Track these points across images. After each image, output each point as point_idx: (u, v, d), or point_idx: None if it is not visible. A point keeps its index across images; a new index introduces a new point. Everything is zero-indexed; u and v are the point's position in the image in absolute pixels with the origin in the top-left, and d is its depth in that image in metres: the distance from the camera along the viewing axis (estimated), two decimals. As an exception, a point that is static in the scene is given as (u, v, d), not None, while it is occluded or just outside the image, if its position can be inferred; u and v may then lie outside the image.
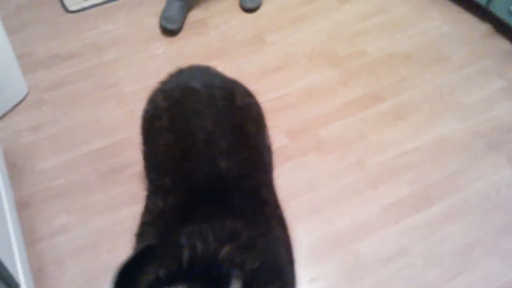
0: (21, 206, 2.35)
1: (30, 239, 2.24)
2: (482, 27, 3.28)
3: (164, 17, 3.17)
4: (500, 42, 3.18)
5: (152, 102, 1.75)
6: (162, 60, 3.05)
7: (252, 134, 1.63)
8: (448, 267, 2.13)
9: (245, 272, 1.02)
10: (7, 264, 1.73)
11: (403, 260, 2.15)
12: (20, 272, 1.91)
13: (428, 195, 2.37)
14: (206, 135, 1.50)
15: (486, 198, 2.37)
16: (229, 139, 1.50)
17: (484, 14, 3.29)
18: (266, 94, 2.82)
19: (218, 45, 3.17)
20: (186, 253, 1.04)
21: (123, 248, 2.20)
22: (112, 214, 2.32)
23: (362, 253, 2.17)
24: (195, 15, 3.35)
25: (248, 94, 1.79)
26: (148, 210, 1.51)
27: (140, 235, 1.49)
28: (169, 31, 3.17)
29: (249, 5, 3.35)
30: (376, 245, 2.20)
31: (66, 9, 3.37)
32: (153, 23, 3.28)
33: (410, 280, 2.09)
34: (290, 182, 2.41)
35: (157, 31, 3.24)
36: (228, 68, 2.99)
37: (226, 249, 1.05)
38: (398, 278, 2.10)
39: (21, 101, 2.78)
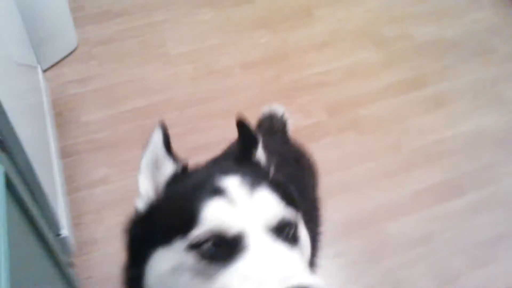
0: (64, 155, 2.44)
1: (71, 187, 2.33)
2: (533, 22, 3.22)
3: None
4: (550, 39, 3.12)
5: None
6: (210, 25, 3.09)
7: None
8: (473, 257, 2.16)
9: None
10: (53, 213, 1.81)
11: (429, 245, 2.19)
12: (63, 220, 1.99)
13: (461, 185, 2.39)
14: None
15: (518, 193, 2.37)
16: None
17: (537, 9, 3.24)
18: (309, 69, 2.84)
19: (265, 15, 3.18)
20: None
21: (158, 205, 2.28)
22: (150, 171, 2.40)
23: (389, 234, 2.21)
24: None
25: None
26: None
27: None
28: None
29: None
30: (404, 228, 2.23)
31: (119, -34, 3.41)
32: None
33: (434, 266, 2.13)
34: (324, 157, 2.43)
35: (207, -4, 3.27)
36: (273, 39, 3.02)
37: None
38: (423, 263, 2.14)
39: (70, 53, 2.86)
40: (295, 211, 0.96)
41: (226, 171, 0.98)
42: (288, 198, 0.97)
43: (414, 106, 2.72)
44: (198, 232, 0.85)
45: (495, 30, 3.17)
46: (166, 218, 0.95)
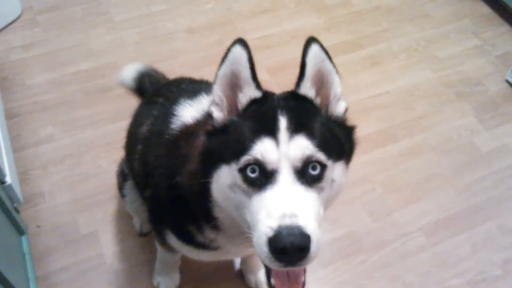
0: (10, 116, 2.47)
1: (17, 146, 2.37)
2: (465, -10, 3.41)
3: None
4: (480, 6, 3.30)
5: None
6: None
7: None
8: (405, 195, 2.30)
9: None
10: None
11: (365, 186, 2.32)
12: (7, 170, 2.03)
13: (394, 133, 2.53)
14: None
15: (448, 139, 2.53)
16: None
17: (468, -22, 3.42)
18: (252, 33, 2.94)
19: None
20: None
21: (103, 160, 2.34)
22: (95, 129, 2.46)
23: (327, 178, 2.32)
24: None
25: None
26: None
27: None
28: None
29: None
30: (341, 172, 2.35)
31: None
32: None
33: (369, 203, 2.26)
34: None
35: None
36: (218, 5, 3.11)
37: None
38: (358, 201, 2.27)
39: (14, 21, 2.88)
40: (328, 152, 1.07)
41: (282, 108, 1.09)
42: (326, 139, 1.09)
43: (352, 66, 2.85)
44: (245, 158, 1.04)
45: (429, -3, 3.34)
46: (233, 141, 1.09)
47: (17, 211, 2.02)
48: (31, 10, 2.95)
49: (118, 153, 2.01)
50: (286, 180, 1.02)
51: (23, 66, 2.70)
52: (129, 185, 1.90)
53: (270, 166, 1.03)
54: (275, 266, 1.00)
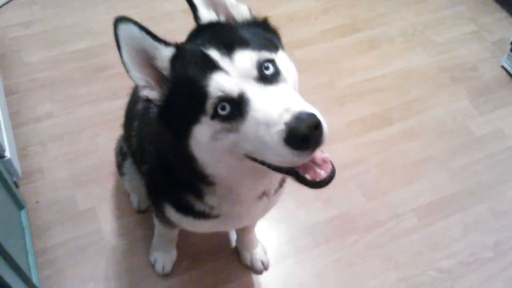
0: (8, 92, 2.48)
1: (16, 122, 2.39)
2: (462, -24, 3.42)
3: None
4: (477, -9, 3.33)
5: None
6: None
7: None
8: (399, 177, 2.34)
9: None
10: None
11: (360, 167, 2.35)
12: (6, 145, 2.05)
13: (389, 116, 2.56)
14: None
15: (442, 123, 2.56)
16: None
17: (465, -36, 3.43)
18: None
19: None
20: None
21: (101, 137, 2.37)
22: (93, 107, 2.47)
23: (322, 159, 2.35)
24: None
25: None
26: None
27: None
28: None
29: None
30: (337, 154, 2.36)
31: None
32: None
33: (363, 185, 2.30)
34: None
35: None
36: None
37: None
38: (353, 182, 2.30)
39: (12, -1, 2.88)
40: (267, 47, 1.10)
41: (201, 42, 1.11)
42: (257, 38, 1.12)
43: (348, 49, 2.87)
44: (210, 103, 1.03)
45: (428, -18, 3.35)
46: (186, 100, 1.09)
47: (17, 185, 2.04)
48: (30, -12, 2.96)
49: (115, 131, 2.03)
50: (257, 90, 1.03)
51: (22, 43, 2.70)
52: (128, 163, 1.93)
53: (234, 92, 1.02)
54: (302, 159, 0.99)
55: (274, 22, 2.89)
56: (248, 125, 1.02)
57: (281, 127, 0.95)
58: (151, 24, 2.87)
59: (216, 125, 1.04)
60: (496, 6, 3.20)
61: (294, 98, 1.03)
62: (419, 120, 2.56)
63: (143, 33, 1.09)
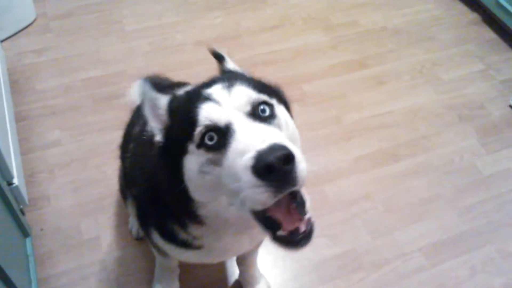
0: (19, 118, 2.51)
1: (25, 148, 2.40)
2: (470, 15, 3.46)
3: None
4: (485, 31, 3.36)
5: None
6: (167, 5, 3.22)
7: None
8: (406, 214, 2.32)
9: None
10: (5, 163, 1.89)
11: (366, 204, 2.34)
12: (14, 172, 2.06)
13: (396, 153, 2.56)
14: None
15: (450, 161, 2.56)
16: None
17: (474, 3, 3.47)
18: (259, 49, 2.99)
19: (221, -3, 3.33)
20: None
21: (108, 166, 2.36)
22: (102, 135, 2.49)
23: (329, 194, 2.35)
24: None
25: None
26: None
27: None
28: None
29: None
30: (343, 189, 2.38)
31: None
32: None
33: (369, 222, 2.28)
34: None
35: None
36: (227, 20, 3.16)
37: None
38: (359, 219, 2.29)
39: (28, 26, 2.93)
40: (269, 96, 1.13)
41: (208, 84, 1.16)
42: (262, 87, 1.15)
43: (356, 84, 2.89)
44: (197, 132, 1.05)
45: (437, 21, 3.39)
46: (178, 134, 1.12)
47: (23, 213, 2.04)
48: (45, 16, 3.01)
49: (123, 160, 2.03)
50: (244, 123, 1.03)
51: (34, 70, 2.74)
52: None
53: (222, 122, 1.03)
54: (269, 196, 0.95)
55: (283, 55, 2.95)
56: (229, 157, 1.01)
57: (252, 154, 0.95)
58: (163, 54, 2.95)
59: (202, 155, 1.05)
60: (504, 46, 3.23)
61: (278, 136, 1.02)
62: (427, 157, 2.56)
63: (150, 90, 1.18)
